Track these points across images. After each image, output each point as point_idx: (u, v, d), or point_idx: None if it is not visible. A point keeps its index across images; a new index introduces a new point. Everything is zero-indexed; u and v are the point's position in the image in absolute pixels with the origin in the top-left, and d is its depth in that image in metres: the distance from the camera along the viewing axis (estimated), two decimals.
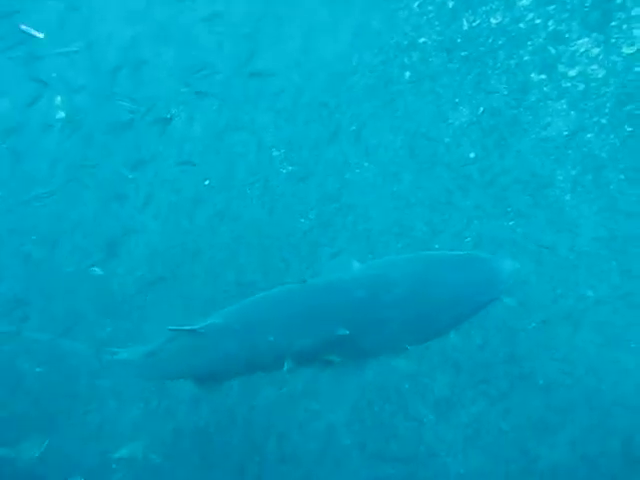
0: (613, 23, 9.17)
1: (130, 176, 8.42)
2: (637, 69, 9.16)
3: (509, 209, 9.44)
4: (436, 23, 10.04)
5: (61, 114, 8.95)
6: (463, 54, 9.88)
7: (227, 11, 9.74)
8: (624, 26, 9.09)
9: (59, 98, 8.97)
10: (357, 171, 9.76)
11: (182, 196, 9.54)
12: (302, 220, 9.46)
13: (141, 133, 9.22)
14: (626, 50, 9.19)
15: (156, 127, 8.65)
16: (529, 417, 8.77)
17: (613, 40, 9.23)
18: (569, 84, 9.60)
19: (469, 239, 9.33)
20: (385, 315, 5.07)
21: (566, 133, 9.70)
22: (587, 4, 9.26)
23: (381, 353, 5.29)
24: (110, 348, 5.77)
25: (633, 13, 8.96)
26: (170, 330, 5.39)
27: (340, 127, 9.86)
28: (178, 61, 9.91)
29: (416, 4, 10.12)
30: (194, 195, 9.56)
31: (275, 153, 9.85)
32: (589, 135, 9.62)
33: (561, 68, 9.58)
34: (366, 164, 9.77)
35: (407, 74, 10.07)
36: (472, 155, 9.73)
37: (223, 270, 9.27)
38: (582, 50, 9.44)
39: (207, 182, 9.64)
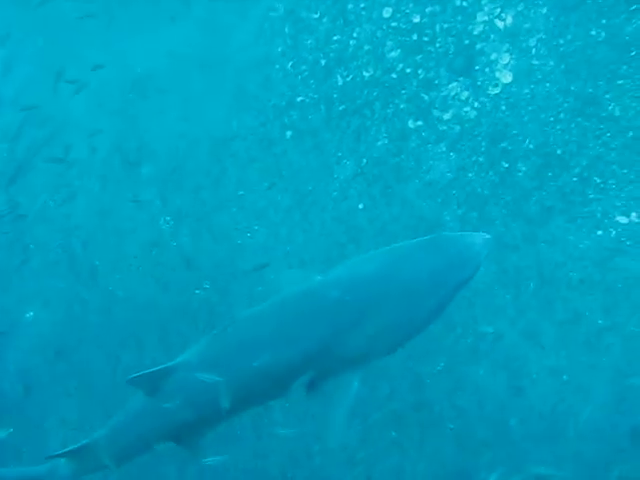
0: (477, 67, 9.55)
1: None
2: (504, 108, 9.52)
3: None
4: (311, 81, 10.23)
5: None
6: (341, 108, 10.06)
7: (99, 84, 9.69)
8: (486, 69, 9.50)
9: None
10: (248, 235, 9.74)
11: (71, 281, 9.32)
12: (197, 291, 9.35)
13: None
14: (492, 91, 9.55)
15: None
16: (443, 464, 8.77)
17: (479, 83, 9.60)
18: (445, 127, 9.87)
19: None
20: (364, 317, 4.96)
21: (448, 175, 9.91)
22: (451, 52, 9.65)
23: (370, 358, 5.15)
24: None
25: (492, 57, 9.38)
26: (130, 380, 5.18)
27: (227, 193, 9.87)
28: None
29: (290, 64, 10.31)
30: (84, 279, 9.35)
31: (164, 226, 9.74)
32: (470, 174, 9.86)
33: (436, 113, 9.86)
34: (256, 227, 9.77)
35: (288, 133, 10.18)
36: (360, 206, 9.85)
37: (121, 353, 9.06)
38: (453, 94, 9.77)
39: (97, 263, 9.46)
